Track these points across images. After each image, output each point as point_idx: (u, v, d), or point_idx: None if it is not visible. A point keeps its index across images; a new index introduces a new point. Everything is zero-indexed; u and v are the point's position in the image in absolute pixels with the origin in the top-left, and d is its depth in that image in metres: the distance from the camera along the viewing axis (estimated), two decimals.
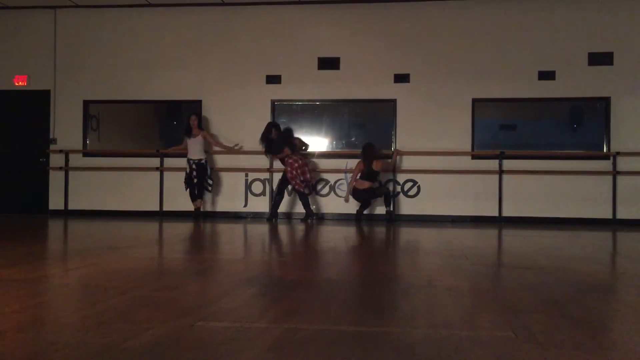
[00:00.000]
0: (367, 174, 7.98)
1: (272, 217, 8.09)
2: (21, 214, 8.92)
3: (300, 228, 7.18)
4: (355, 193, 8.10)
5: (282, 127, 8.29)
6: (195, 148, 8.28)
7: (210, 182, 8.43)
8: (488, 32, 8.46)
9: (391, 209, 8.12)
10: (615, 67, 8.20)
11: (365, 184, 8.03)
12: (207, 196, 8.57)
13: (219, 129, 8.80)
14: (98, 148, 9.15)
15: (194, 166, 8.22)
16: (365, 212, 8.22)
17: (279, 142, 8.05)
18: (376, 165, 8.01)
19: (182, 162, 8.64)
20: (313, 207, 8.20)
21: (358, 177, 8.03)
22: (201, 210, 8.37)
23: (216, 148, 8.59)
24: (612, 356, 1.96)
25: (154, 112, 9.64)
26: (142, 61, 8.96)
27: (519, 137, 8.88)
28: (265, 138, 8.09)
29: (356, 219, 8.12)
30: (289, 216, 8.50)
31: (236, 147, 8.49)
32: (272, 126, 8.19)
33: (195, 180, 8.24)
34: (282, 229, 7.10)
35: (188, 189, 8.29)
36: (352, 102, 8.78)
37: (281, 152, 7.98)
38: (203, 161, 8.27)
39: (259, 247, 5.66)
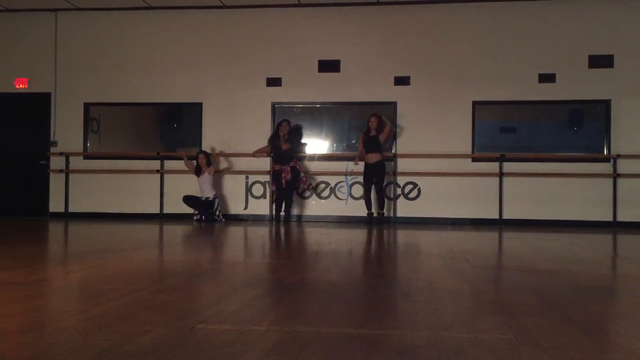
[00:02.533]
0: (370, 141, 7.97)
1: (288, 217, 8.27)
2: (22, 216, 8.93)
3: (298, 231, 7.18)
4: (365, 169, 8.02)
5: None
6: (204, 186, 8.35)
7: (218, 215, 8.37)
8: (488, 34, 8.47)
9: (383, 211, 8.09)
10: (616, 69, 8.21)
11: (375, 157, 7.97)
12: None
13: (219, 132, 8.81)
14: (98, 150, 9.16)
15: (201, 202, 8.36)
16: (384, 211, 8.10)
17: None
18: (382, 136, 8.03)
19: (182, 164, 8.65)
20: None
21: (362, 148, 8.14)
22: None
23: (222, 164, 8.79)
24: (613, 358, 1.96)
25: (155, 114, 9.65)
26: (143, 64, 8.98)
27: (519, 139, 8.88)
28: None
29: (366, 221, 8.02)
30: (299, 218, 8.51)
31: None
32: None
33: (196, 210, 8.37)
34: (282, 231, 7.10)
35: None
36: (352, 105, 8.79)
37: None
38: (211, 197, 8.30)
39: (260, 249, 5.66)
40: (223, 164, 8.82)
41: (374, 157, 7.98)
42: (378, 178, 8.01)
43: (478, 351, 1.98)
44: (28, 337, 2.12)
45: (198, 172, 8.39)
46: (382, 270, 4.14)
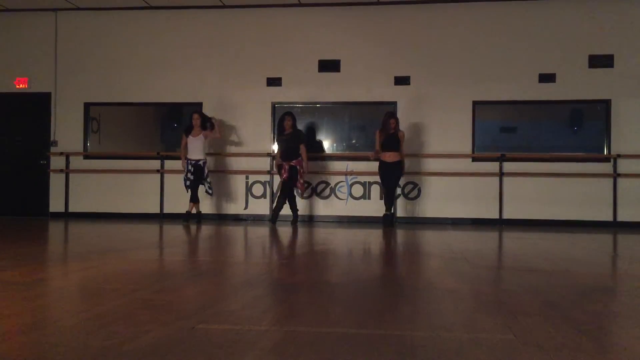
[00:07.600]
0: (388, 139, 7.62)
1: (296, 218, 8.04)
2: (22, 216, 8.93)
3: (298, 231, 7.18)
4: (382, 168, 7.69)
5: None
6: (194, 147, 7.96)
7: (209, 184, 8.08)
8: (489, 34, 8.47)
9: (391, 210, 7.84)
10: (616, 69, 8.21)
11: (393, 156, 7.65)
12: (207, 198, 8.48)
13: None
14: (98, 150, 9.16)
15: (190, 167, 7.94)
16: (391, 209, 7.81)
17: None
18: (401, 134, 7.70)
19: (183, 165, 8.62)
20: None
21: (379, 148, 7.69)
22: (193, 212, 8.02)
23: (217, 135, 8.28)
24: (613, 358, 1.96)
25: (155, 114, 9.65)
26: (143, 63, 8.98)
27: (519, 139, 8.89)
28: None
29: (384, 221, 7.66)
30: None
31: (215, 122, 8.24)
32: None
33: (188, 182, 7.95)
34: (283, 231, 7.10)
35: (189, 190, 7.97)
36: (352, 105, 8.79)
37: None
38: (201, 162, 7.96)
39: (260, 249, 5.66)
40: (225, 163, 8.78)
41: (392, 157, 7.64)
42: (395, 178, 7.74)
43: (478, 351, 1.98)
44: (28, 336, 2.12)
45: (189, 131, 8.03)
46: (382, 270, 4.14)
